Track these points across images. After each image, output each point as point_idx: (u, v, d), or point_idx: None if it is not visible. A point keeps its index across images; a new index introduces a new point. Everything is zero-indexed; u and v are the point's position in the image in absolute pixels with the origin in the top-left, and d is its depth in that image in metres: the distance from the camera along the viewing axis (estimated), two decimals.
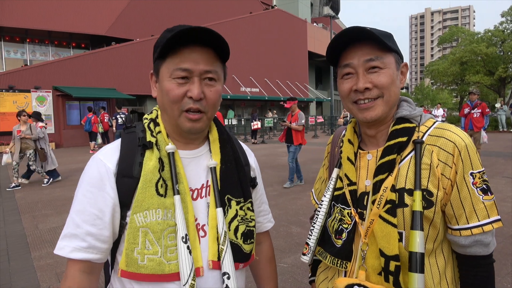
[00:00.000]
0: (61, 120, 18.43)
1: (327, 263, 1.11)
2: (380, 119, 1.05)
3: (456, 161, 0.98)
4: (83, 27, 21.96)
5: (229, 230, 1.02)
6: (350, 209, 1.07)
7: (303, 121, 7.69)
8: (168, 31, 0.96)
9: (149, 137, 1.01)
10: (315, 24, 39.82)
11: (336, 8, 49.67)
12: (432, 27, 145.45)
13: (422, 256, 0.93)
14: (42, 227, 5.29)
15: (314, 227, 1.17)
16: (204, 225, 1.03)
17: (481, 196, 0.98)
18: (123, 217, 0.97)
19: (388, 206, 0.98)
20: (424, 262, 0.93)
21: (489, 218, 0.97)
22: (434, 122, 1.06)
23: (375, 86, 1.02)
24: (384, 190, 0.99)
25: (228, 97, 24.77)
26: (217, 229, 1.00)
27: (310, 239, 1.18)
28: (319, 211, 1.17)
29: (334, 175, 1.17)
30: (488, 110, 9.72)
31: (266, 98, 28.20)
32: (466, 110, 9.71)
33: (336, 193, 1.14)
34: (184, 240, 0.93)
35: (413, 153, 1.01)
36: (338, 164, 1.16)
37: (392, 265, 0.95)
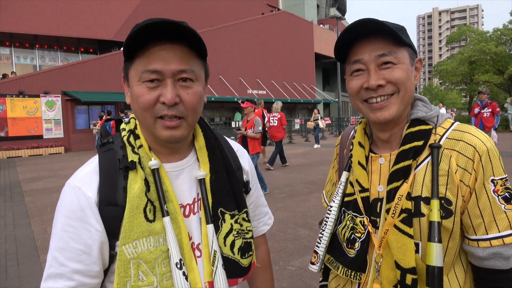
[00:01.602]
0: (70, 125, 18.61)
1: (339, 274, 1.04)
2: (394, 119, 0.96)
3: (476, 167, 0.90)
4: (91, 33, 22.20)
5: (225, 245, 0.93)
6: (363, 218, 0.99)
7: (260, 127, 6.87)
8: (136, 27, 0.83)
9: (130, 155, 0.89)
10: (321, 25, 39.78)
11: (342, 9, 49.56)
12: (440, 27, 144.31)
13: (440, 270, 0.85)
14: (50, 231, 5.31)
15: (323, 234, 1.09)
16: (199, 243, 0.94)
17: (503, 205, 0.90)
18: (112, 247, 0.87)
19: (403, 215, 0.91)
20: (442, 276, 0.86)
21: (511, 229, 0.89)
22: (452, 123, 0.98)
23: (389, 82, 0.93)
24: (399, 199, 0.92)
25: (235, 99, 24.81)
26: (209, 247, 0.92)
27: (319, 247, 1.10)
28: (328, 218, 1.09)
29: (343, 178, 1.10)
30: (498, 109, 9.55)
31: (273, 100, 28.21)
32: (476, 110, 9.57)
33: (346, 198, 1.06)
34: (178, 266, 0.84)
35: (429, 158, 0.93)
36: (348, 167, 1.09)
37: (409, 278, 0.88)
